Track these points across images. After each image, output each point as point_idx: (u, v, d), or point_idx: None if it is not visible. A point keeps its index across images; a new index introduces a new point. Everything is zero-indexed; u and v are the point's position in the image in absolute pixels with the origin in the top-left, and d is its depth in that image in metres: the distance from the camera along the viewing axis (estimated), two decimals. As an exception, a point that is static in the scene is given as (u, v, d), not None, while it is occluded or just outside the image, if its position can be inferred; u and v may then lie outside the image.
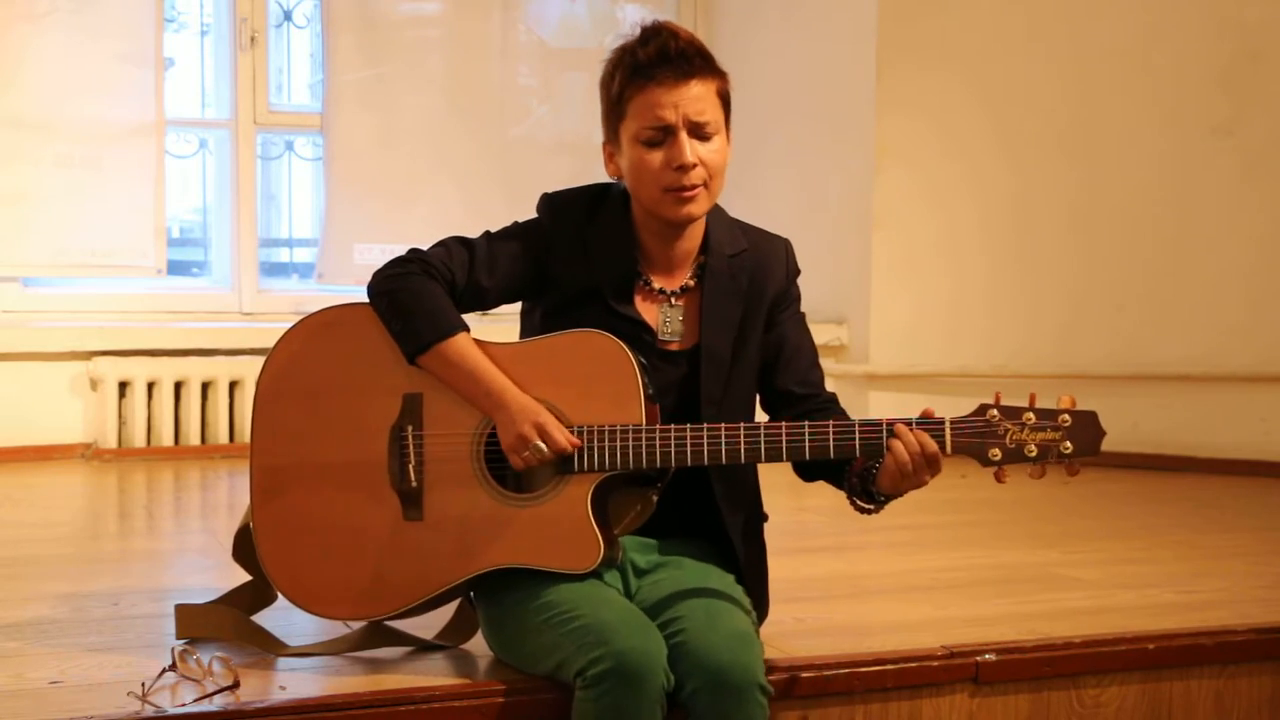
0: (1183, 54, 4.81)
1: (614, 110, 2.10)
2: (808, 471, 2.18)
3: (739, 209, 2.27)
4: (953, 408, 2.03)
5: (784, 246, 2.23)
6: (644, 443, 1.99)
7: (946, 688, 2.25)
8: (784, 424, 1.99)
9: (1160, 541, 3.43)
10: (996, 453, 1.94)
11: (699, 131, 2.05)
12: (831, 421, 2.00)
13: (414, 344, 2.06)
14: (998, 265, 5.12)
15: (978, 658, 2.26)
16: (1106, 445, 1.96)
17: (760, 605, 2.20)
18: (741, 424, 2.00)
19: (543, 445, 1.98)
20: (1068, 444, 1.93)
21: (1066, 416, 1.94)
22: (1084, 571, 2.97)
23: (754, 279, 2.17)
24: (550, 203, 2.19)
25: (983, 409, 1.97)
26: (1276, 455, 4.63)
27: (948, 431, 1.96)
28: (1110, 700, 2.35)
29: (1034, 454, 1.94)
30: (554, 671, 1.97)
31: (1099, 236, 4.99)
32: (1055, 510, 3.98)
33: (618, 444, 2.00)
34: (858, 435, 1.97)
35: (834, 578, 2.95)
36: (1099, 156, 4.96)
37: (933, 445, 1.95)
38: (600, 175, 2.22)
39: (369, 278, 2.13)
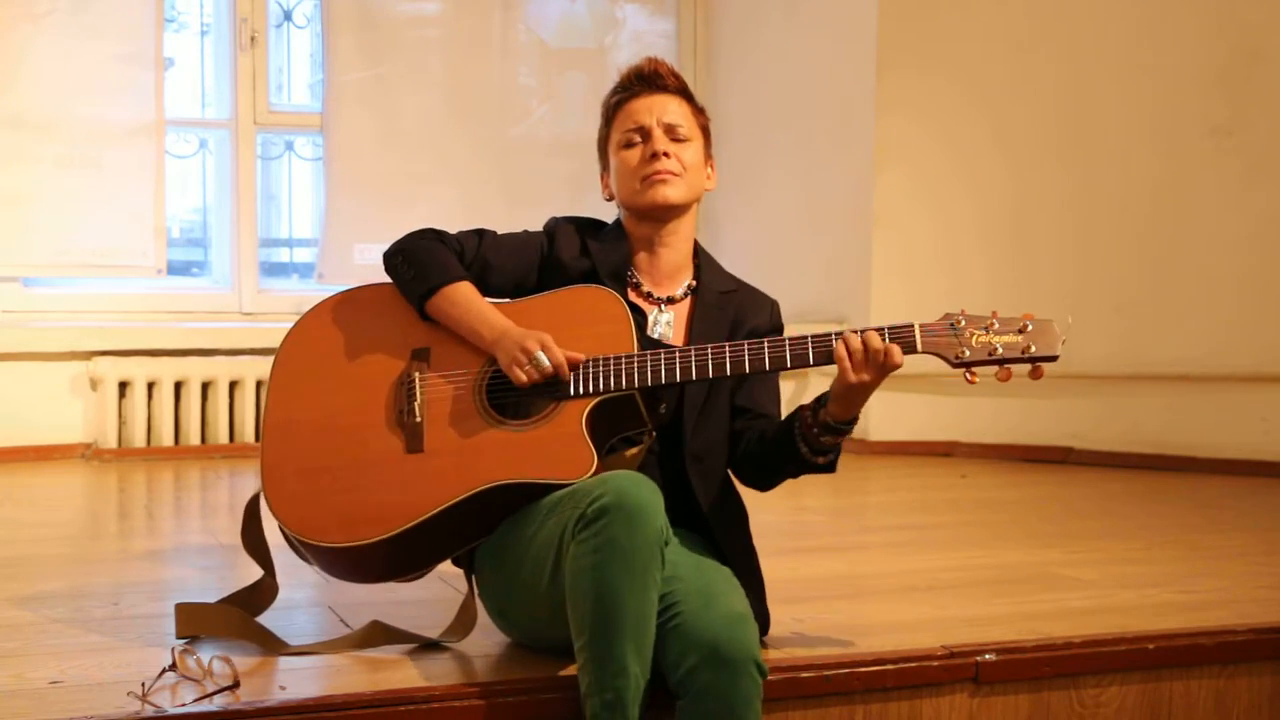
0: (1182, 54, 4.81)
1: (603, 133, 2.30)
2: (765, 474, 2.25)
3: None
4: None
5: (772, 303, 2.35)
6: (636, 364, 2.09)
7: (946, 688, 2.25)
8: (747, 342, 2.09)
9: (1160, 541, 3.43)
10: (964, 352, 2.05)
11: (672, 133, 2.23)
12: (786, 338, 2.09)
13: (422, 288, 2.17)
14: (996, 265, 5.12)
15: (978, 658, 2.26)
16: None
17: (761, 617, 2.21)
18: (720, 343, 2.10)
19: (542, 356, 2.07)
20: (1031, 345, 2.03)
21: (1027, 322, 2.05)
22: (1084, 571, 2.97)
23: (738, 315, 2.29)
24: (556, 218, 2.33)
25: (948, 316, 2.08)
26: (1276, 455, 4.63)
27: (917, 333, 2.06)
28: (1110, 700, 2.35)
29: (1000, 353, 2.04)
30: (557, 568, 1.95)
31: (1098, 237, 4.99)
32: (1055, 510, 3.97)
33: (611, 368, 2.09)
34: (810, 343, 2.07)
35: (833, 578, 2.95)
36: (1097, 157, 4.97)
37: (877, 342, 2.03)
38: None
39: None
